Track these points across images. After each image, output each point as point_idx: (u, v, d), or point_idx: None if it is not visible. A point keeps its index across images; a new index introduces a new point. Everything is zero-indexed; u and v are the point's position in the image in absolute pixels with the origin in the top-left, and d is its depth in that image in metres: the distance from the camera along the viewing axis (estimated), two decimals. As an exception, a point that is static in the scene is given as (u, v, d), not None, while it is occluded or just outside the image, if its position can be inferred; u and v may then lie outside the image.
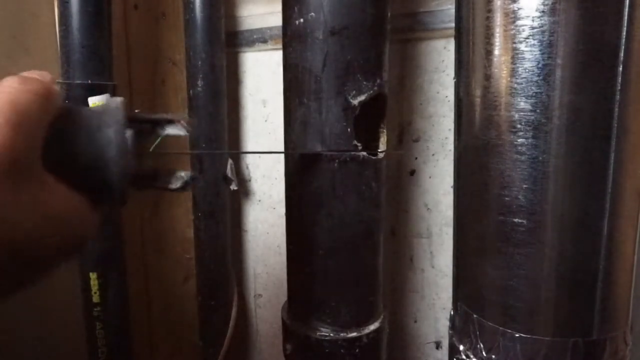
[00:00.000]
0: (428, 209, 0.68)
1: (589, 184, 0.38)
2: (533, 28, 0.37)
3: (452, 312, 0.51)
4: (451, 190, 0.64)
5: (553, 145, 0.38)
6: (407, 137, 0.67)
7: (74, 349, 0.74)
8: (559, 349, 0.40)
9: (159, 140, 0.30)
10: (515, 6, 0.37)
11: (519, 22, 0.37)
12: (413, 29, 0.63)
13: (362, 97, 0.48)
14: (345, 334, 0.53)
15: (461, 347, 0.46)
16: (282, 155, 0.58)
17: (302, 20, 0.48)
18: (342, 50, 0.47)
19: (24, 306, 0.72)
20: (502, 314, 0.42)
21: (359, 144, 0.49)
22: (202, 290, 0.80)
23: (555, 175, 0.38)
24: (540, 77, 0.37)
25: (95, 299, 0.69)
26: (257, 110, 0.80)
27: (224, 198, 0.77)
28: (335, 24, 0.46)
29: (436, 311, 0.70)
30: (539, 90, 0.37)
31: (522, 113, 0.38)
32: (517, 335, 0.41)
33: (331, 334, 0.53)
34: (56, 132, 0.25)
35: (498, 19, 0.39)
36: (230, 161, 0.77)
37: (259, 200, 0.83)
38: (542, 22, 0.36)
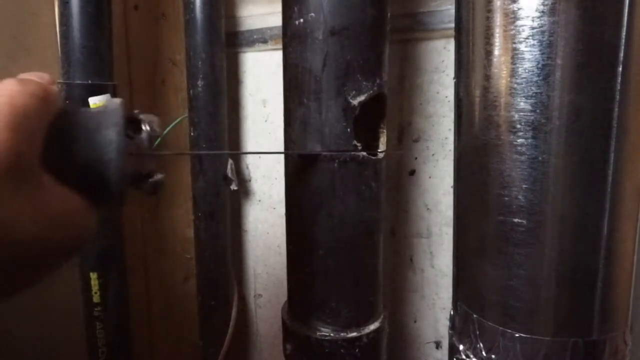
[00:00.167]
0: (428, 209, 0.68)
1: (589, 184, 0.38)
2: (533, 28, 0.37)
3: (452, 312, 0.51)
4: (451, 190, 0.64)
5: (553, 145, 0.38)
6: (407, 137, 0.67)
7: (74, 349, 0.74)
8: (558, 349, 0.40)
9: (159, 140, 0.30)
10: (515, 6, 0.37)
11: (519, 23, 0.37)
12: (413, 29, 0.63)
13: (362, 97, 0.48)
14: (345, 334, 0.53)
15: (461, 347, 0.46)
16: (282, 155, 0.58)
17: (302, 20, 0.48)
18: (342, 50, 0.47)
19: (24, 306, 0.72)
20: (502, 314, 0.42)
21: (358, 144, 0.49)
22: (202, 290, 0.80)
23: (555, 175, 0.38)
24: (540, 77, 0.37)
25: (96, 299, 0.69)
26: (257, 110, 0.80)
27: (224, 198, 0.77)
28: (335, 24, 0.46)
29: (436, 311, 0.70)
30: (538, 91, 0.37)
31: (522, 113, 0.38)
32: (517, 335, 0.41)
33: (331, 334, 0.53)
34: (55, 133, 0.25)
35: (498, 19, 0.39)
36: (230, 161, 0.77)
37: (259, 200, 0.83)
38: (542, 22, 0.36)
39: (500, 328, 0.42)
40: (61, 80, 0.63)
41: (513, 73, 0.38)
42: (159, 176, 0.30)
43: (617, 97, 0.37)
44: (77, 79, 0.62)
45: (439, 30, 0.61)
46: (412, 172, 0.68)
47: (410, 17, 0.62)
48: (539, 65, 0.37)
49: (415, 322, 0.72)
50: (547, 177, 0.38)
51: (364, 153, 0.49)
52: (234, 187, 0.77)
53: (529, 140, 0.38)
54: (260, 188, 0.83)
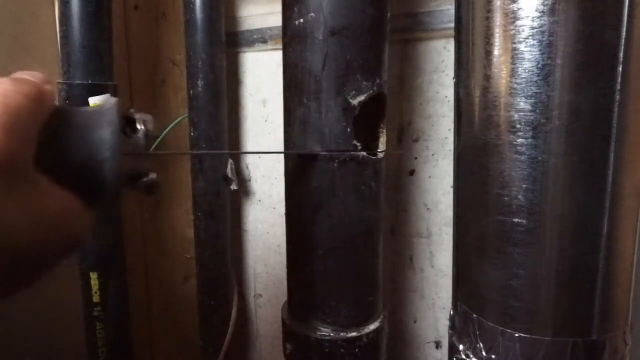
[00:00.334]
0: (428, 209, 0.68)
1: (589, 184, 0.38)
2: (533, 28, 0.37)
3: (452, 312, 0.51)
4: (451, 190, 0.64)
5: (553, 145, 0.38)
6: (407, 137, 0.67)
7: (74, 349, 0.74)
8: (559, 349, 0.40)
9: (158, 141, 0.30)
10: (515, 7, 0.37)
11: (519, 23, 0.37)
12: (413, 29, 0.63)
13: (362, 98, 0.48)
14: (345, 334, 0.53)
15: (461, 347, 0.46)
16: (282, 156, 0.58)
17: (302, 20, 0.48)
18: (342, 50, 0.47)
19: (24, 306, 0.72)
20: (502, 314, 0.42)
21: (358, 144, 0.49)
22: (202, 290, 0.80)
23: (555, 175, 0.38)
24: (540, 78, 0.37)
25: (96, 299, 0.69)
26: (257, 111, 0.80)
27: (224, 198, 0.77)
28: (335, 24, 0.47)
29: (436, 311, 0.70)
30: (538, 91, 0.37)
31: (522, 113, 0.38)
32: (517, 335, 0.41)
33: (331, 334, 0.53)
34: (50, 133, 0.25)
35: (498, 19, 0.39)
36: (230, 161, 0.77)
37: (259, 201, 0.83)
38: (542, 22, 0.36)
39: (501, 328, 0.42)
40: (61, 81, 0.63)
41: (513, 73, 0.38)
42: (154, 176, 0.30)
43: (617, 97, 0.37)
44: (77, 79, 0.62)
45: (439, 30, 0.61)
46: (412, 172, 0.68)
47: (410, 17, 0.62)
48: (539, 66, 0.37)
49: (415, 322, 0.72)
50: (547, 177, 0.38)
51: (364, 153, 0.49)
52: (234, 187, 0.77)
53: (529, 141, 0.38)
54: (260, 188, 0.83)
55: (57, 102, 0.62)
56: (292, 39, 0.50)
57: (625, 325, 0.42)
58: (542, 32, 0.36)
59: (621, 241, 0.40)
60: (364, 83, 0.48)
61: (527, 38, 0.37)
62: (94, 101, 0.62)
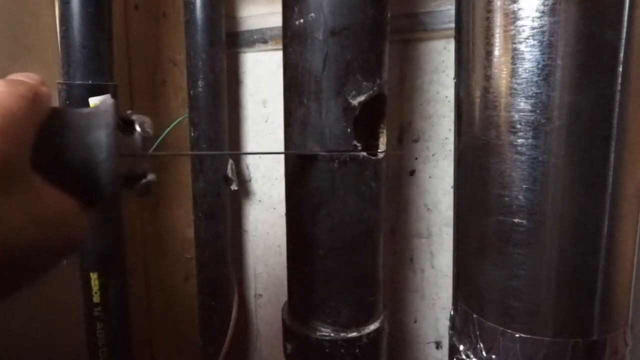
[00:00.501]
0: (428, 209, 0.68)
1: (589, 184, 0.38)
2: (533, 28, 0.37)
3: (452, 312, 0.51)
4: (451, 190, 0.64)
5: (553, 145, 0.38)
6: (407, 137, 0.67)
7: (75, 349, 0.74)
8: (559, 349, 0.40)
9: (158, 141, 0.30)
10: (515, 7, 0.37)
11: (519, 23, 0.37)
12: (413, 29, 0.63)
13: (362, 98, 0.48)
14: (345, 334, 0.53)
15: (461, 347, 0.46)
16: (283, 156, 0.58)
17: (302, 20, 0.48)
18: (342, 50, 0.47)
19: (24, 306, 0.72)
20: (502, 314, 0.42)
21: (358, 144, 0.49)
22: (202, 290, 0.80)
23: (555, 175, 0.38)
24: (540, 78, 0.37)
25: (96, 299, 0.69)
26: (257, 111, 0.80)
27: (224, 198, 0.77)
28: (335, 24, 0.46)
29: (436, 311, 0.70)
30: (538, 91, 0.37)
31: (522, 113, 0.38)
32: (517, 335, 0.41)
33: (331, 334, 0.53)
34: (45, 135, 0.25)
35: (498, 19, 0.39)
36: (230, 161, 0.77)
37: (259, 201, 0.83)
38: (542, 22, 0.36)
39: (501, 328, 0.42)
40: (61, 81, 0.63)
41: (513, 73, 0.38)
42: (151, 177, 0.30)
43: (617, 97, 0.37)
44: (77, 79, 0.62)
45: (439, 30, 0.61)
46: (412, 172, 0.68)
47: (410, 17, 0.62)
48: (539, 66, 0.37)
49: (415, 322, 0.72)
50: (547, 177, 0.38)
51: (364, 153, 0.49)
52: (234, 187, 0.77)
53: (529, 141, 0.38)
54: (260, 188, 0.83)
55: (54, 103, 0.62)
56: (292, 39, 0.50)
57: (625, 325, 0.42)
58: (542, 32, 0.36)
59: (621, 241, 0.40)
60: (364, 83, 0.48)
61: (527, 38, 0.37)
62: (94, 101, 0.62)
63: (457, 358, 0.47)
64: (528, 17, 0.37)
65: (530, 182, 0.39)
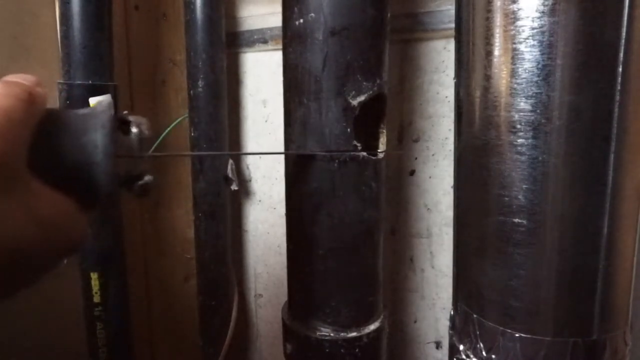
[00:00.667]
0: (428, 209, 0.68)
1: (589, 184, 0.38)
2: (533, 29, 0.37)
3: (452, 312, 0.51)
4: (451, 190, 0.64)
5: (553, 145, 0.38)
6: (407, 137, 0.67)
7: (75, 349, 0.74)
8: (559, 349, 0.40)
9: (158, 141, 0.30)
10: (515, 7, 0.37)
11: (519, 23, 0.37)
12: (413, 29, 0.63)
13: (362, 98, 0.48)
14: (345, 334, 0.53)
15: (461, 347, 0.46)
16: (283, 156, 0.58)
17: (302, 20, 0.48)
18: (342, 50, 0.47)
19: (24, 306, 0.72)
20: (502, 314, 0.42)
21: (358, 144, 0.49)
22: (202, 290, 0.80)
23: (555, 175, 0.38)
24: (540, 78, 0.37)
25: (96, 299, 0.69)
26: (257, 111, 0.80)
27: (225, 198, 0.77)
28: (335, 24, 0.47)
29: (436, 311, 0.70)
30: (538, 91, 0.37)
31: (522, 113, 0.38)
32: (517, 335, 0.41)
33: (331, 334, 0.53)
34: (41, 136, 0.25)
35: (498, 19, 0.39)
36: (230, 161, 0.77)
37: (260, 201, 0.83)
38: (542, 22, 0.36)
39: (501, 328, 0.42)
40: (61, 81, 0.63)
41: (513, 73, 0.38)
42: (148, 178, 0.30)
43: (617, 97, 0.37)
44: (77, 79, 0.62)
45: (439, 30, 0.61)
46: (412, 172, 0.68)
47: (410, 17, 0.62)
48: (539, 66, 0.37)
49: (415, 322, 0.72)
50: (547, 177, 0.38)
51: (364, 153, 0.49)
52: (234, 187, 0.77)
53: (529, 141, 0.38)
54: (260, 188, 0.83)
55: (54, 103, 0.62)
56: (292, 39, 0.50)
57: (625, 325, 0.42)
58: (542, 32, 0.36)
59: (621, 241, 0.40)
60: (364, 83, 0.48)
61: (527, 38, 0.37)
62: (94, 101, 0.62)
63: (457, 358, 0.47)
64: (528, 17, 0.37)
65: (530, 182, 0.39)
